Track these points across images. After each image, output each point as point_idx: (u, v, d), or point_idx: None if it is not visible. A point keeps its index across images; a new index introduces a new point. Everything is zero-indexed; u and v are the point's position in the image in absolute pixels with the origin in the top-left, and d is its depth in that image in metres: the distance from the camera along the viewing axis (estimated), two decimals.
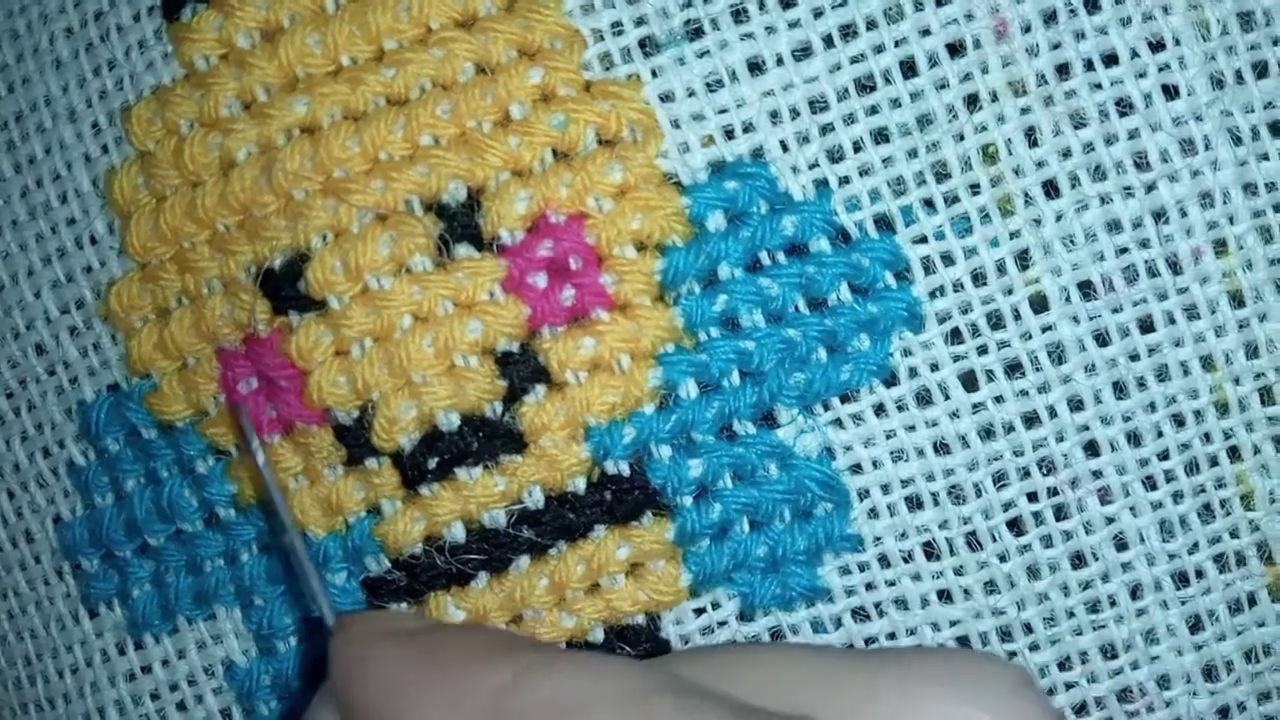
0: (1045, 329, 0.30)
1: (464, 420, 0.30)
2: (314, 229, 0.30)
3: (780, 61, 0.30)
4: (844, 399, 0.30)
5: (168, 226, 0.31)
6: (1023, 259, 0.30)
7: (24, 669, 0.35)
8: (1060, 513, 0.31)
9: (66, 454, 0.33)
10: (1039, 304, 0.30)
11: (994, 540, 0.31)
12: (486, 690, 0.25)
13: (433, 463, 0.30)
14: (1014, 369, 0.30)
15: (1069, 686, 0.31)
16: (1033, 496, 0.31)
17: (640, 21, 0.30)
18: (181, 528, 0.32)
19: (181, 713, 0.33)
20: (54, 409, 0.33)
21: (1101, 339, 0.30)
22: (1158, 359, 0.30)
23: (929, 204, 0.30)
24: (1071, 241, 0.30)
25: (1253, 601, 0.31)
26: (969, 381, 0.30)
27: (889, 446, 0.30)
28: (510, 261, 0.30)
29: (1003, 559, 0.31)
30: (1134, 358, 0.30)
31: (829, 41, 0.30)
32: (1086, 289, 0.30)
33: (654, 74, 0.30)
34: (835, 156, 0.30)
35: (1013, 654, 0.31)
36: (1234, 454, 0.31)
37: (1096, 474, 0.31)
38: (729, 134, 0.30)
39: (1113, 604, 0.31)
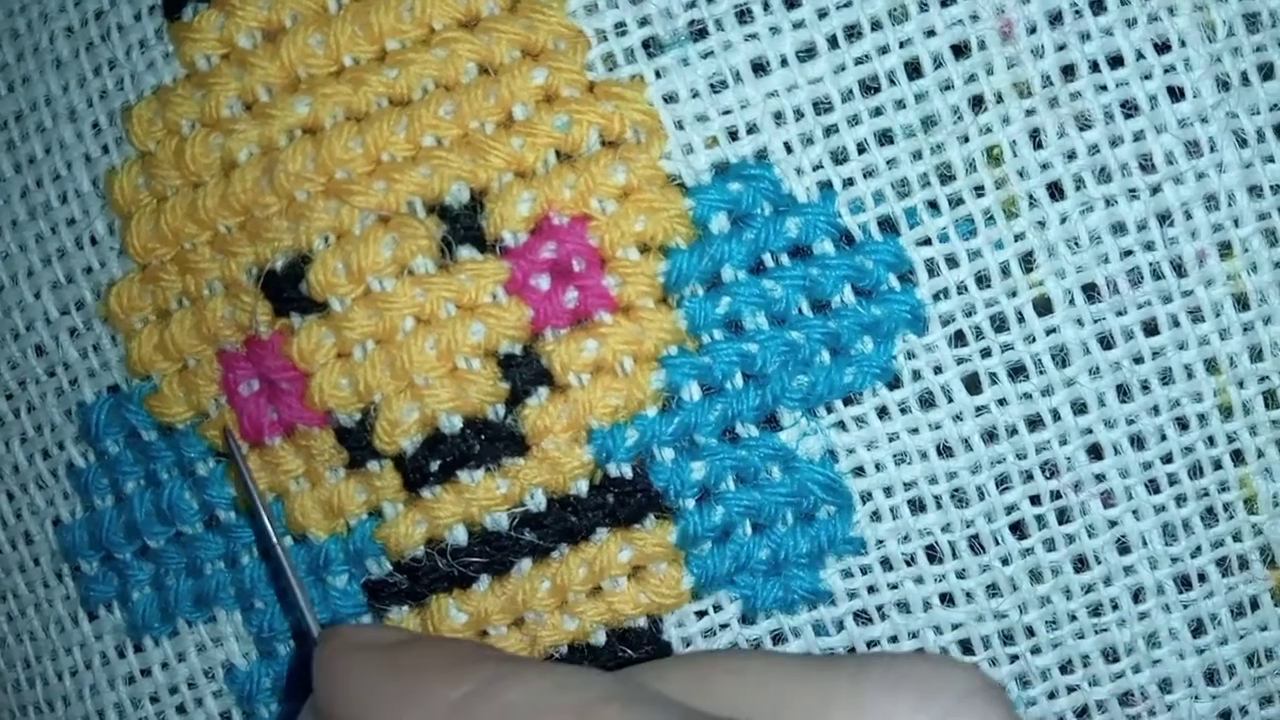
0: (1049, 331, 0.30)
1: (466, 423, 0.30)
2: (316, 230, 0.30)
3: (784, 62, 0.30)
4: (847, 401, 0.30)
5: (168, 227, 0.31)
6: (1027, 261, 0.30)
7: (23, 672, 0.35)
8: (1063, 516, 0.31)
9: (66, 456, 0.33)
10: (1043, 306, 0.30)
11: (997, 543, 0.31)
12: (450, 701, 0.26)
13: (435, 465, 0.30)
14: (1017, 372, 0.30)
15: (1071, 690, 0.31)
16: (1036, 500, 0.31)
17: (644, 22, 0.30)
18: (182, 530, 0.32)
19: (181, 716, 0.33)
20: (54, 410, 0.33)
21: (1106, 342, 0.30)
22: (1162, 362, 0.30)
23: (933, 206, 0.30)
24: (1076, 244, 0.30)
25: (1255, 605, 0.31)
26: (972, 384, 0.30)
27: (892, 449, 0.30)
28: (513, 263, 0.30)
29: (1005, 562, 0.31)
30: (1138, 361, 0.30)
31: (833, 42, 0.30)
32: (1091, 291, 0.30)
33: (658, 75, 0.30)
34: (839, 158, 0.30)
35: (1015, 657, 0.31)
36: (1238, 457, 0.31)
37: (1100, 477, 0.31)
38: (733, 135, 0.30)
39: (1115, 607, 0.31)
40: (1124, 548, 0.31)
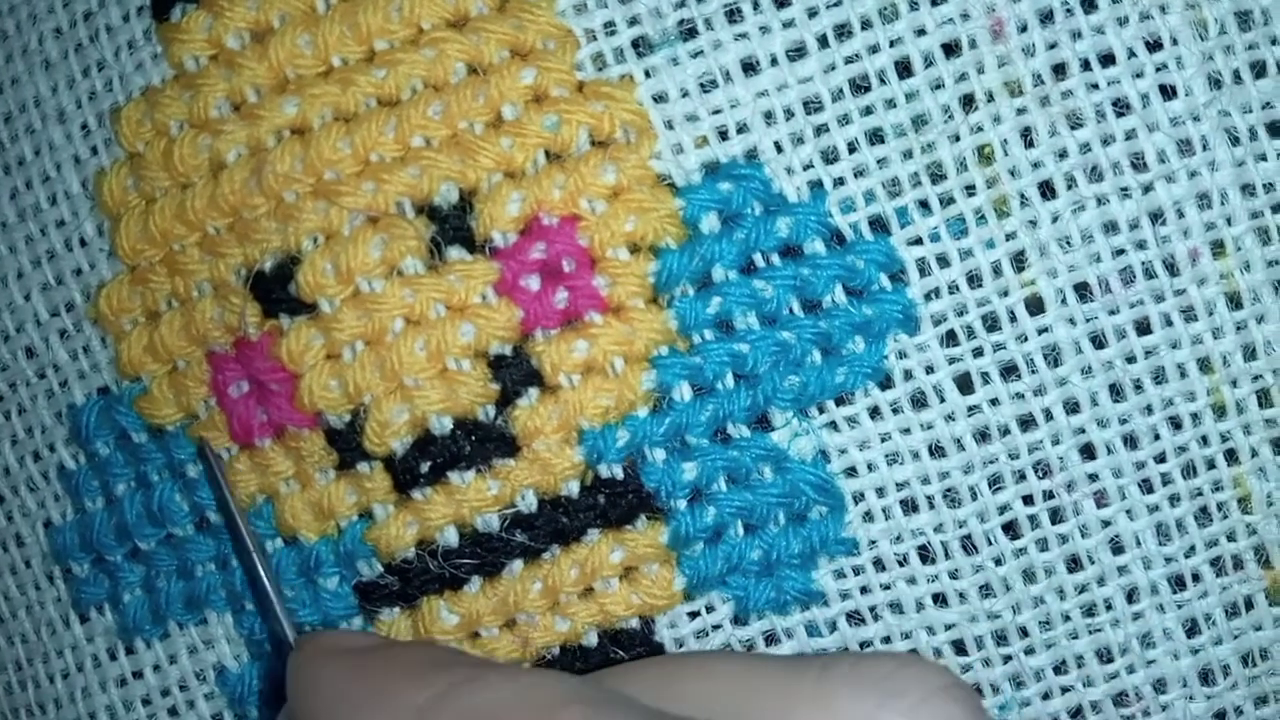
0: (1041, 331, 0.30)
1: (456, 424, 0.30)
2: (305, 231, 0.30)
3: (774, 62, 0.30)
4: (839, 402, 0.30)
5: (157, 229, 0.31)
6: (1019, 261, 0.30)
7: (15, 674, 0.35)
8: (1056, 516, 0.31)
9: (57, 458, 0.33)
10: (1035, 306, 0.30)
11: (989, 544, 0.31)
12: (416, 704, 0.26)
13: (425, 467, 0.30)
14: (1010, 371, 0.30)
15: (1065, 690, 0.31)
16: (1028, 500, 0.31)
17: (633, 21, 0.30)
18: (172, 532, 0.32)
19: (173, 718, 0.33)
20: (44, 412, 0.33)
21: (1098, 341, 0.30)
22: (1154, 361, 0.30)
23: (924, 205, 0.30)
24: (1068, 243, 0.30)
25: (1250, 605, 0.31)
26: (964, 384, 0.30)
27: (884, 449, 0.30)
28: (503, 264, 0.30)
29: (998, 562, 0.31)
30: (1131, 360, 0.30)
31: (823, 41, 0.30)
32: (1083, 291, 0.30)
33: (647, 74, 0.30)
34: (830, 158, 0.30)
35: (1008, 658, 0.31)
36: (1231, 457, 0.31)
37: (1093, 477, 0.30)
38: (723, 135, 0.30)
39: (1109, 608, 0.31)
40: (1118, 548, 0.31)
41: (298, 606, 0.31)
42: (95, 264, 0.32)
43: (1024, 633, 0.31)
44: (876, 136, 0.30)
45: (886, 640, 0.31)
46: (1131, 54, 0.30)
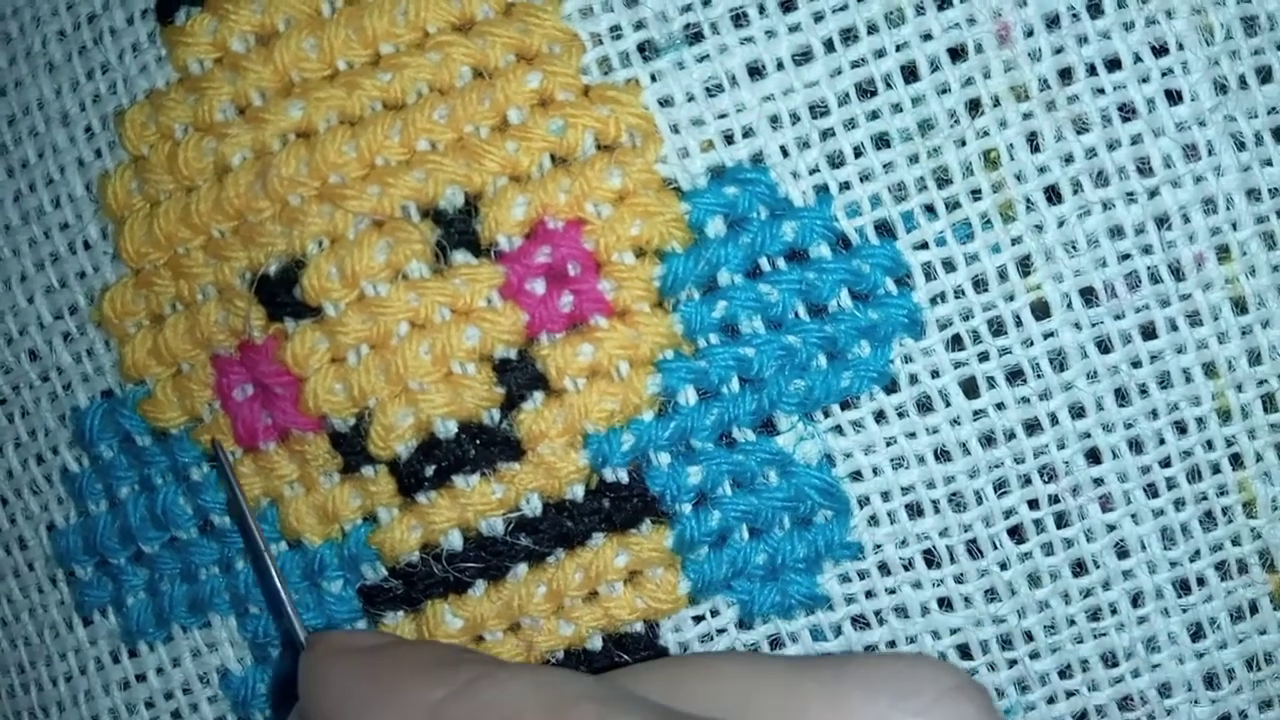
0: (1047, 335, 0.30)
1: (461, 428, 0.30)
2: (310, 235, 0.30)
3: (780, 66, 0.30)
4: (844, 406, 0.30)
5: (162, 232, 0.31)
6: (1024, 265, 0.30)
7: (17, 677, 0.35)
8: (1061, 520, 0.31)
9: (60, 461, 0.33)
10: (1041, 310, 0.30)
11: (995, 548, 0.31)
12: (429, 702, 0.26)
13: (430, 470, 0.30)
14: (1015, 375, 0.30)
15: (1070, 694, 0.31)
16: (1034, 504, 0.31)
17: (639, 25, 0.30)
18: (176, 535, 0.32)
19: None
20: (47, 415, 0.33)
21: (1103, 345, 0.30)
22: (1160, 366, 0.30)
23: (930, 210, 0.30)
24: (1073, 247, 0.30)
25: (1254, 609, 0.31)
26: (970, 388, 0.30)
27: (889, 454, 0.30)
28: (508, 268, 0.30)
29: (1003, 566, 0.31)
30: (1136, 364, 0.30)
31: (830, 46, 0.30)
32: (1088, 295, 0.30)
33: (653, 78, 0.30)
34: (836, 162, 0.30)
35: (1013, 662, 0.31)
36: (1236, 461, 0.31)
37: (1098, 481, 0.30)
38: (729, 139, 0.30)
39: (1114, 611, 0.31)
40: (1122, 552, 0.31)
41: (301, 610, 0.31)
42: (99, 267, 0.32)
43: (1029, 637, 0.31)
44: (882, 141, 0.30)
45: (891, 644, 0.31)
46: (1137, 59, 0.30)
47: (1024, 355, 0.30)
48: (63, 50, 0.32)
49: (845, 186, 0.30)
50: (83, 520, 0.33)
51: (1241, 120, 0.30)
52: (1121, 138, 0.30)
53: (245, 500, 0.30)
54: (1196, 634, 0.31)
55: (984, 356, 0.30)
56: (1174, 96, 0.30)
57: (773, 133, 0.30)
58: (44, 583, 0.34)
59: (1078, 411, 0.30)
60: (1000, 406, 0.30)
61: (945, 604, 0.31)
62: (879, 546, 0.31)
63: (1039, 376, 0.30)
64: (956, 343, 0.30)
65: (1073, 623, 0.31)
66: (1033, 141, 0.30)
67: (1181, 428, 0.30)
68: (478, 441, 0.30)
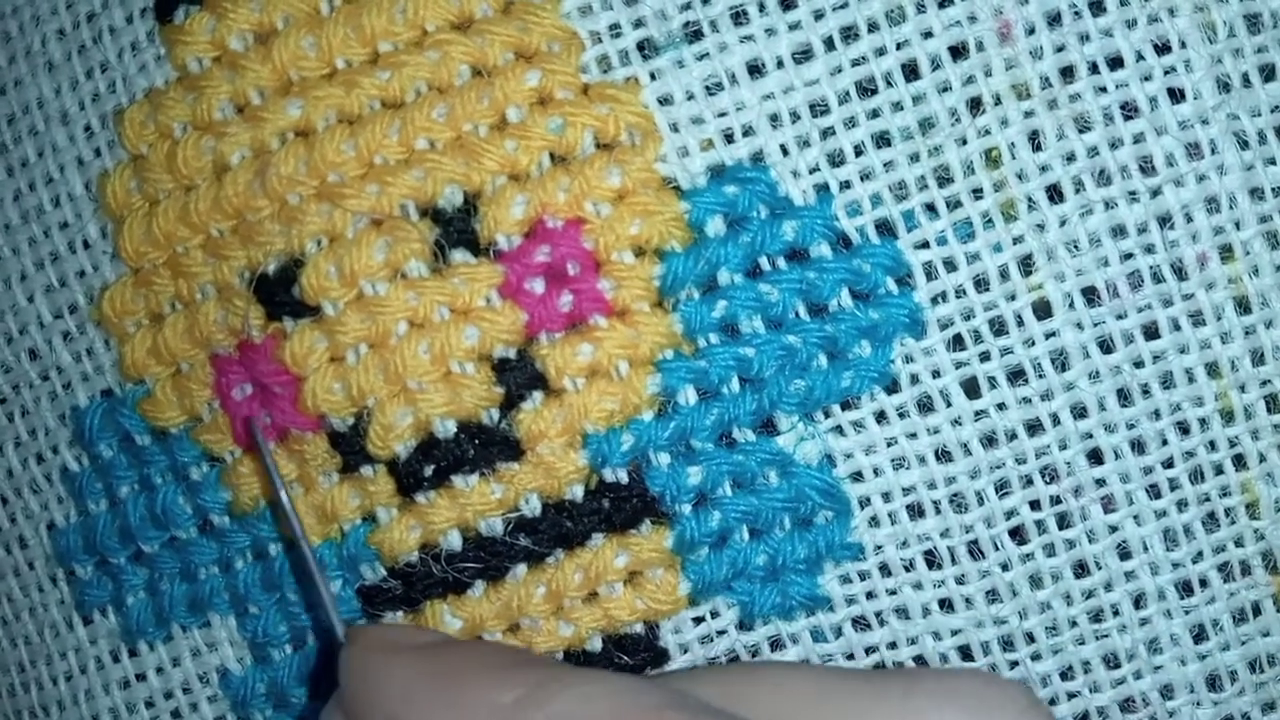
0: (1048, 335, 0.30)
1: (460, 427, 0.30)
2: (308, 234, 0.30)
3: (780, 64, 0.29)
4: (845, 406, 0.30)
5: (161, 231, 0.31)
6: (1026, 264, 0.30)
7: (18, 676, 0.35)
8: (1063, 521, 0.30)
9: (60, 460, 0.33)
10: (1042, 310, 0.30)
11: (996, 549, 0.31)
12: (496, 706, 0.25)
13: (429, 470, 0.30)
14: (1017, 375, 0.30)
15: (1071, 696, 0.31)
16: (1035, 504, 0.30)
17: (639, 24, 0.30)
18: (176, 535, 0.32)
19: None
20: (47, 414, 0.33)
21: (1105, 345, 0.30)
22: (1162, 366, 0.30)
23: (931, 209, 0.30)
24: (1075, 246, 0.30)
25: (1257, 611, 0.31)
26: (971, 388, 0.30)
27: (890, 454, 0.30)
28: (507, 267, 0.29)
29: (1005, 567, 0.31)
30: (1138, 364, 0.30)
31: (830, 44, 0.29)
32: (1090, 295, 0.30)
33: (652, 77, 0.30)
34: (836, 160, 0.30)
35: (1014, 663, 0.31)
36: (1239, 462, 0.31)
37: (1100, 482, 0.30)
38: (728, 138, 0.30)
39: (1116, 613, 0.31)
40: (1125, 553, 0.31)
41: (301, 610, 0.31)
42: (99, 266, 0.32)
43: (1030, 638, 0.31)
44: (883, 139, 0.30)
45: (892, 646, 0.31)
46: (1140, 57, 0.29)
47: (1026, 355, 0.30)
48: (62, 49, 0.32)
49: (846, 185, 0.30)
50: (83, 519, 0.33)
51: (1245, 118, 0.30)
52: (1124, 136, 0.29)
53: (284, 486, 0.30)
54: (1199, 636, 0.31)
55: (985, 356, 0.30)
56: (1177, 94, 0.29)
57: (773, 131, 0.29)
58: (44, 582, 0.34)
59: (1080, 412, 0.30)
60: (1002, 407, 0.30)
61: (946, 605, 0.31)
62: (880, 547, 0.31)
63: (1041, 376, 0.30)
64: (958, 342, 0.30)
65: (1075, 624, 0.31)
66: (1034, 140, 0.29)
67: (1184, 428, 0.30)
68: (477, 441, 0.30)
